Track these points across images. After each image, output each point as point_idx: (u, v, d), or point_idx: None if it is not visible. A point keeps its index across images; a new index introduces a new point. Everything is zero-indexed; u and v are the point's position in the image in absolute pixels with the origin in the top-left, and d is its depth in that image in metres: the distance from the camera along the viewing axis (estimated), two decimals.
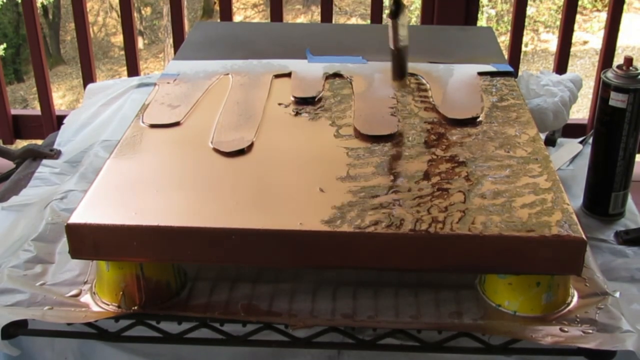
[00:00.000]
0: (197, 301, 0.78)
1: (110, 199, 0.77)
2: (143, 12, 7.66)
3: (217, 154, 0.85)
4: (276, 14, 1.69)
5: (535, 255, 0.71)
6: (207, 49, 1.18)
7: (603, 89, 0.95)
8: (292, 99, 0.99)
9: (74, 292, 0.79)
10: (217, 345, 0.77)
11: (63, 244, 0.87)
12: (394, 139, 0.89)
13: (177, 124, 0.92)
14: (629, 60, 0.93)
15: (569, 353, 0.74)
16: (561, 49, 1.69)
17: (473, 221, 0.72)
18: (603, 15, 6.36)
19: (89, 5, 3.15)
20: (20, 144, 1.43)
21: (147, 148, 0.87)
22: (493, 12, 6.84)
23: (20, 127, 1.79)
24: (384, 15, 1.69)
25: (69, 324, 0.76)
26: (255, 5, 7.69)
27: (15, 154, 1.17)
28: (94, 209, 0.75)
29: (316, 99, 0.99)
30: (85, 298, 0.78)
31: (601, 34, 1.82)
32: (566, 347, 0.73)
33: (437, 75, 1.07)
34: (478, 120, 0.93)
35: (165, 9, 7.06)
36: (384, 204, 0.75)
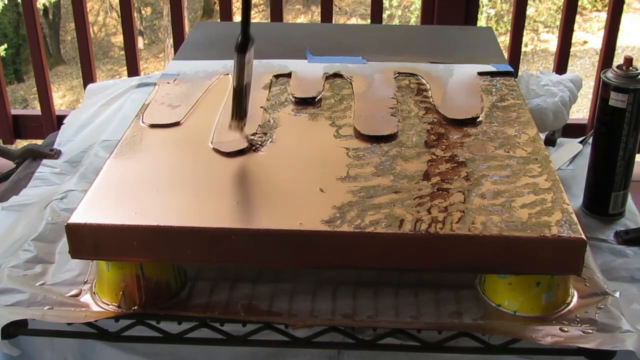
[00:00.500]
0: (197, 301, 0.78)
1: (110, 199, 0.77)
2: (143, 12, 7.66)
3: (217, 154, 0.85)
4: (276, 14, 1.69)
5: (535, 255, 0.71)
6: (207, 49, 1.18)
7: (603, 89, 0.95)
8: (292, 99, 0.99)
9: (74, 292, 0.79)
10: (217, 345, 0.77)
11: (63, 244, 0.87)
12: (394, 139, 0.89)
13: (177, 124, 0.92)
14: (629, 60, 0.93)
15: (569, 353, 0.74)
16: (561, 49, 1.69)
17: (473, 221, 0.72)
18: (603, 15, 6.36)
19: (89, 5, 3.15)
20: (20, 144, 1.43)
21: (147, 148, 0.87)
22: (493, 12, 6.84)
23: (20, 127, 1.79)
24: (384, 15, 1.69)
25: (69, 324, 0.76)
26: (255, 5, 7.69)
27: (15, 154, 1.17)
28: (94, 209, 0.75)
29: (316, 99, 0.99)
30: (85, 298, 0.78)
31: (601, 34, 1.82)
32: (566, 347, 0.73)
33: (437, 75, 1.07)
34: (478, 120, 0.93)
35: (165, 9, 7.06)
36: (384, 204, 0.75)
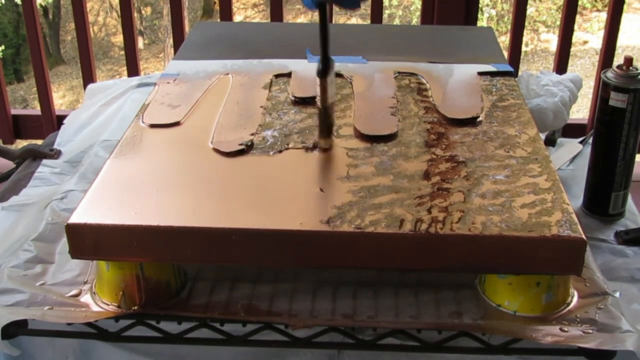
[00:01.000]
0: (197, 301, 0.78)
1: (110, 199, 0.77)
2: (143, 12, 7.66)
3: (217, 154, 0.85)
4: (276, 14, 1.69)
5: (535, 255, 0.71)
6: (207, 49, 1.18)
7: (603, 89, 0.95)
8: (292, 98, 0.99)
9: (74, 292, 0.79)
10: (217, 345, 0.77)
11: (63, 244, 0.87)
12: (394, 138, 0.89)
13: (177, 124, 0.92)
14: (629, 60, 0.93)
15: (569, 353, 0.74)
16: (561, 49, 1.70)
17: (473, 221, 0.72)
18: (603, 15, 6.36)
19: (89, 5, 3.15)
20: (20, 144, 1.43)
21: (147, 148, 0.87)
22: (493, 12, 6.84)
23: (20, 127, 1.79)
24: (384, 15, 1.69)
25: (69, 324, 0.76)
26: (255, 5, 7.69)
27: (15, 154, 1.17)
28: (94, 209, 0.75)
29: (316, 99, 0.99)
30: (85, 298, 0.78)
31: (601, 34, 1.82)
32: (566, 347, 0.73)
33: (437, 75, 1.07)
34: (478, 120, 0.93)
35: (165, 9, 7.06)
36: (384, 204, 0.75)
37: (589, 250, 0.84)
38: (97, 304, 0.77)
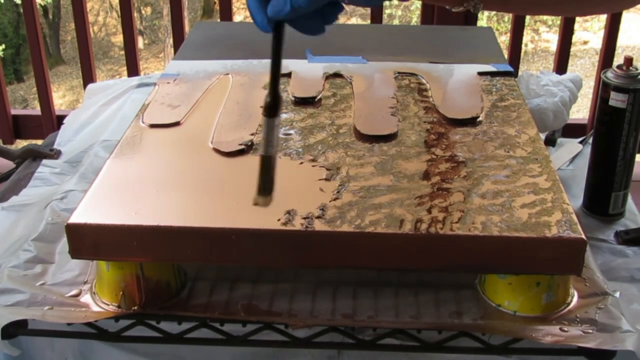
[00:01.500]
0: (197, 301, 0.78)
1: (110, 199, 0.77)
2: (143, 12, 7.66)
3: (217, 154, 0.85)
4: None
5: (535, 255, 0.71)
6: (207, 49, 1.18)
7: (603, 89, 0.95)
8: (292, 98, 0.99)
9: (74, 292, 0.79)
10: (217, 345, 0.77)
11: (63, 244, 0.87)
12: (394, 138, 0.89)
13: (177, 124, 0.92)
14: (629, 60, 0.93)
15: (569, 353, 0.74)
16: (561, 49, 1.70)
17: (473, 221, 0.72)
18: (603, 15, 6.35)
19: (89, 5, 3.15)
20: (20, 144, 1.43)
21: (147, 148, 0.87)
22: (493, 12, 6.84)
23: (20, 127, 1.79)
24: (384, 15, 1.69)
25: (69, 324, 0.76)
26: None
27: (15, 154, 1.17)
28: (94, 209, 0.75)
29: (316, 99, 0.99)
30: (85, 298, 0.78)
31: (601, 34, 1.82)
32: (566, 347, 0.73)
33: (437, 75, 1.07)
34: (478, 120, 0.93)
35: (165, 9, 7.06)
36: (384, 204, 0.75)
37: (589, 250, 0.84)
38: (97, 304, 0.77)
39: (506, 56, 1.45)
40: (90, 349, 0.80)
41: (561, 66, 1.69)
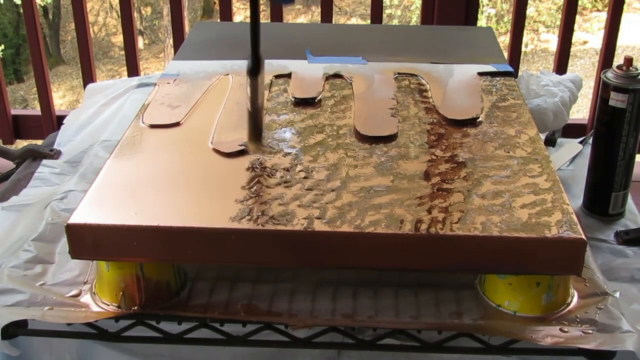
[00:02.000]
0: (197, 301, 0.78)
1: (110, 199, 0.77)
2: (143, 12, 7.66)
3: (217, 154, 0.85)
4: (276, 14, 1.69)
5: (535, 255, 0.71)
6: (207, 49, 1.18)
7: (603, 89, 0.95)
8: (292, 99, 0.99)
9: (74, 292, 0.79)
10: (217, 345, 0.77)
11: (63, 244, 0.87)
12: (394, 139, 0.89)
13: (177, 124, 0.92)
14: (629, 60, 0.93)
15: (569, 353, 0.74)
16: (561, 49, 1.69)
17: (473, 221, 0.72)
18: (603, 15, 6.35)
19: (89, 5, 3.15)
20: (20, 144, 1.43)
21: (147, 148, 0.87)
22: (493, 12, 6.84)
23: (20, 127, 1.79)
24: (384, 15, 1.69)
25: (68, 324, 0.76)
26: None
27: (15, 154, 1.17)
28: (94, 209, 0.75)
29: (316, 99, 0.99)
30: (85, 298, 0.78)
31: (601, 34, 1.82)
32: (566, 348, 0.73)
33: (437, 75, 1.07)
34: (478, 120, 0.93)
35: (165, 9, 7.06)
36: (384, 204, 0.75)
37: (589, 250, 0.84)
38: (97, 304, 0.77)
39: (506, 56, 1.45)
40: (89, 352, 0.80)
41: (561, 66, 1.69)
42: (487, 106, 0.97)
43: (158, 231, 0.72)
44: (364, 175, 0.80)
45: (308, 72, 1.08)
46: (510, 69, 1.08)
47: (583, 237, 0.70)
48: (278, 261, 0.75)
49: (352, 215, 0.73)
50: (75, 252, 0.74)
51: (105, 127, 1.21)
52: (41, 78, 1.74)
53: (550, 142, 1.16)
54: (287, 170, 0.82)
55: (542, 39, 6.87)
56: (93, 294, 0.79)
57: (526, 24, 1.99)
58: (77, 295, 0.79)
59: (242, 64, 1.10)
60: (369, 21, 1.77)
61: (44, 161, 1.14)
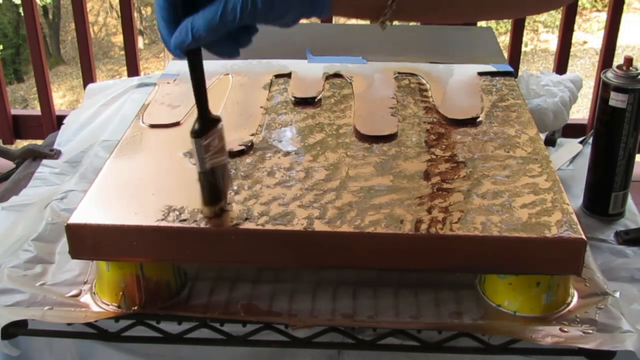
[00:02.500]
0: (197, 301, 0.78)
1: (110, 199, 0.77)
2: (143, 12, 7.66)
3: None
4: None
5: (535, 255, 0.71)
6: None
7: (603, 89, 0.95)
8: (292, 99, 0.99)
9: (74, 292, 0.79)
10: (217, 345, 0.77)
11: (63, 244, 0.87)
12: (394, 139, 0.89)
13: (177, 124, 0.92)
14: (629, 60, 0.93)
15: (569, 353, 0.74)
16: (561, 49, 1.70)
17: (473, 221, 0.72)
18: (603, 15, 6.35)
19: (89, 5, 3.15)
20: (20, 144, 1.43)
21: (147, 148, 0.87)
22: None
23: (20, 127, 1.79)
24: None
25: (69, 324, 0.76)
26: None
27: (15, 154, 1.17)
28: (94, 209, 0.75)
29: (316, 99, 0.99)
30: (85, 298, 0.78)
31: (601, 34, 1.82)
32: (566, 347, 0.73)
33: (437, 75, 1.07)
34: (478, 120, 0.93)
35: None
36: (384, 204, 0.75)
37: (589, 250, 0.84)
38: (97, 304, 0.77)
39: (506, 56, 1.45)
40: (89, 351, 0.80)
41: (561, 66, 1.69)
42: (487, 106, 0.97)
43: (158, 231, 0.72)
44: (364, 174, 0.80)
45: (308, 71, 1.08)
46: (510, 68, 1.08)
47: (583, 237, 0.70)
48: (278, 261, 0.75)
49: (352, 215, 0.73)
50: (75, 252, 0.74)
51: (105, 127, 1.21)
52: (41, 78, 1.74)
53: (550, 142, 1.16)
54: (287, 170, 0.82)
55: (542, 39, 6.87)
56: (93, 294, 0.79)
57: (526, 24, 1.99)
58: (77, 295, 0.79)
59: (242, 64, 1.11)
60: (369, 21, 1.77)
61: (44, 161, 1.14)
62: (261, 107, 0.97)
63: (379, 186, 0.78)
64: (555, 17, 6.73)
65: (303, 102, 0.98)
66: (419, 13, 0.68)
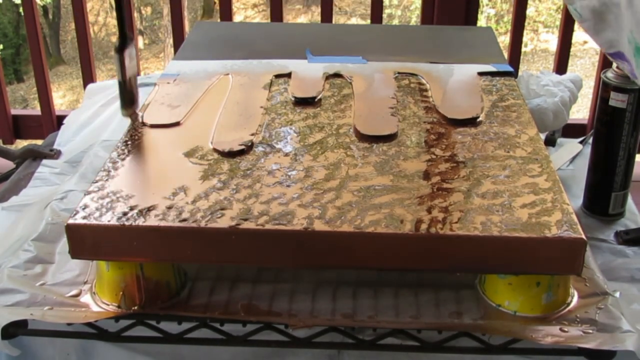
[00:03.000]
0: (197, 301, 0.78)
1: (111, 199, 0.77)
2: (143, 12, 7.66)
3: (217, 154, 0.85)
4: (276, 14, 1.69)
5: (535, 255, 0.71)
6: (207, 49, 1.18)
7: (603, 89, 0.95)
8: (292, 99, 0.99)
9: (74, 292, 0.79)
10: (217, 345, 0.77)
11: (63, 244, 0.87)
12: (394, 138, 0.89)
13: (177, 124, 0.92)
14: None
15: (569, 353, 0.74)
16: (561, 49, 1.69)
17: (473, 221, 0.72)
18: None
19: (89, 5, 3.15)
20: (20, 144, 1.43)
21: (147, 148, 0.87)
22: (493, 12, 6.84)
23: (20, 127, 1.79)
24: (384, 15, 1.68)
25: (69, 324, 0.76)
26: (255, 5, 7.69)
27: (15, 154, 1.17)
28: (94, 209, 0.75)
29: (316, 99, 0.99)
30: (85, 298, 0.78)
31: None
32: (566, 347, 0.73)
33: (437, 75, 1.07)
34: (478, 120, 0.93)
35: (165, 9, 7.06)
36: (384, 204, 0.75)
37: (589, 250, 0.84)
38: (97, 304, 0.77)
39: (506, 56, 1.45)
40: (92, 345, 0.80)
41: (561, 66, 1.69)
42: (487, 106, 0.97)
43: (158, 231, 0.72)
44: (364, 174, 0.80)
45: (308, 71, 1.08)
46: (510, 68, 1.08)
47: (583, 237, 0.70)
48: (278, 261, 0.75)
49: (352, 215, 0.73)
50: (75, 252, 0.74)
51: (105, 127, 1.21)
52: (41, 78, 1.74)
53: (550, 142, 1.16)
54: (287, 169, 0.82)
55: (542, 39, 6.87)
56: (93, 294, 0.79)
57: (526, 24, 1.99)
58: (77, 295, 0.79)
59: (242, 64, 1.11)
60: (369, 21, 1.77)
61: (44, 161, 1.14)
62: (261, 107, 0.97)
63: (379, 186, 0.78)
64: (555, 17, 6.73)
65: (303, 102, 0.98)
66: None
